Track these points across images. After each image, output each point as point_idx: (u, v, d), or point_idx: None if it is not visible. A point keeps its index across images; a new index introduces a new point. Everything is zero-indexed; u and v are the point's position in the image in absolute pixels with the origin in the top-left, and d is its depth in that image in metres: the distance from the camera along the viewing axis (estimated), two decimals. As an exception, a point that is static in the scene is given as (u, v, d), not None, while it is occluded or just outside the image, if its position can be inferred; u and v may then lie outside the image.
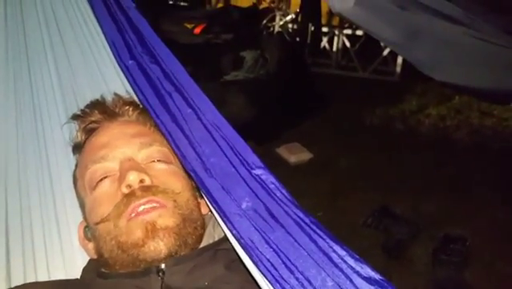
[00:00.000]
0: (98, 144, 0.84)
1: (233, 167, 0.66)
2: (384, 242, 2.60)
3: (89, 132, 0.89)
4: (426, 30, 1.72)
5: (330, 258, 0.54)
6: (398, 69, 5.25)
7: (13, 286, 0.82)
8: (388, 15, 1.69)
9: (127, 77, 0.84)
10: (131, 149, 0.82)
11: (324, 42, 5.60)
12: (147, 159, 0.82)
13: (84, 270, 0.84)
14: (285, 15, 5.94)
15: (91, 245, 0.83)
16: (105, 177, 0.80)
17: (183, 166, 0.77)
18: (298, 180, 2.87)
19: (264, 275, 0.57)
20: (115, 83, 0.98)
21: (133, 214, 0.74)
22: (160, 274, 0.73)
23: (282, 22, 5.94)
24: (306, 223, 0.58)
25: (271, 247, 0.57)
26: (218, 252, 0.78)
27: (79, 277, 0.83)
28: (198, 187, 0.72)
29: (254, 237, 0.59)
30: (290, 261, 0.55)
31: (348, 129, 3.90)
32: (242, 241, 0.59)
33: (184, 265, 0.74)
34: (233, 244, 0.64)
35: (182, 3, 6.82)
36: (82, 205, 0.86)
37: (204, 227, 0.83)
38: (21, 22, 0.99)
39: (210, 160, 0.68)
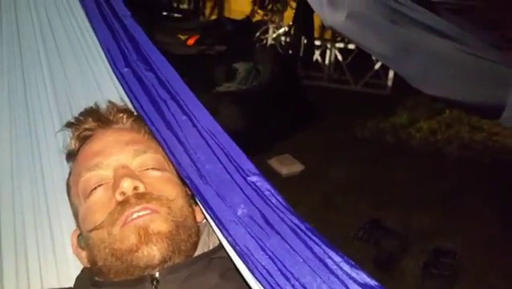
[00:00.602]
0: (92, 151, 0.84)
1: (229, 174, 0.66)
2: (375, 256, 2.60)
3: (83, 139, 0.88)
4: (417, 45, 1.75)
5: (325, 265, 0.54)
6: (389, 83, 5.30)
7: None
8: (379, 29, 1.71)
9: (122, 85, 0.84)
10: (125, 157, 0.81)
11: (317, 55, 5.65)
12: (141, 166, 0.81)
13: (78, 278, 0.83)
14: (278, 28, 5.99)
15: (84, 253, 0.82)
16: (99, 185, 0.79)
17: (178, 173, 0.77)
18: (289, 192, 2.84)
19: (260, 282, 0.56)
20: (110, 92, 0.97)
21: (127, 221, 0.74)
22: (155, 282, 0.73)
23: (275, 35, 5.98)
24: (301, 230, 0.58)
25: (267, 254, 0.57)
26: (213, 261, 0.77)
27: (72, 286, 0.82)
28: (193, 194, 0.71)
29: (250, 244, 0.59)
30: (285, 268, 0.55)
31: (340, 142, 3.92)
32: (238, 248, 0.59)
33: (178, 273, 0.74)
34: (229, 251, 0.64)
35: (176, 15, 6.86)
36: (75, 213, 0.85)
37: (198, 235, 0.82)
38: (16, 30, 0.99)
39: (205, 167, 0.68)
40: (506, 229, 2.71)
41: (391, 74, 5.20)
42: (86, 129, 0.88)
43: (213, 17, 7.04)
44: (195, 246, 0.80)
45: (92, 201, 0.79)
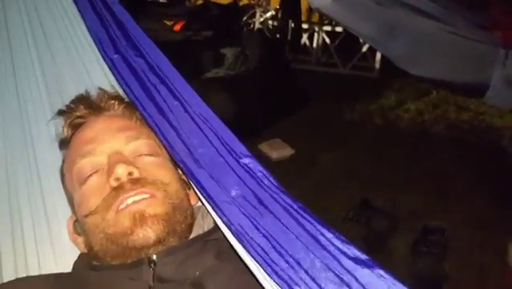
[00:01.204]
0: (85, 138, 0.84)
1: (222, 157, 0.68)
2: (365, 235, 2.65)
3: (75, 127, 0.88)
4: (402, 26, 1.76)
5: (318, 241, 0.56)
6: (377, 65, 5.32)
7: (5, 281, 0.82)
8: (365, 11, 1.72)
9: (112, 71, 0.85)
10: (118, 143, 0.82)
11: (304, 38, 5.64)
12: (134, 152, 0.82)
13: (75, 263, 0.84)
14: (265, 12, 5.95)
15: (80, 239, 0.84)
16: (94, 172, 0.80)
17: (171, 157, 0.78)
18: (280, 175, 2.85)
19: (255, 260, 0.58)
20: (100, 79, 0.97)
21: (122, 206, 0.75)
22: (152, 265, 0.74)
23: (262, 19, 5.95)
24: (294, 209, 0.60)
25: (261, 232, 0.59)
26: (208, 243, 0.79)
27: (70, 271, 0.83)
28: (187, 178, 0.73)
29: (244, 223, 0.60)
30: (279, 245, 0.57)
31: (329, 124, 3.95)
32: (233, 227, 0.61)
33: (175, 256, 0.75)
34: (224, 231, 0.65)
35: (161, 0, 6.76)
36: (70, 200, 0.86)
37: (193, 217, 0.84)
38: (3, 20, 0.98)
39: (198, 151, 0.69)
40: (493, 207, 2.78)
41: (378, 56, 5.22)
42: (78, 117, 0.88)
43: (199, 1, 6.95)
44: (190, 227, 0.82)
45: (87, 188, 0.80)
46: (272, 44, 4.80)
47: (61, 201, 0.90)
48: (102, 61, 0.90)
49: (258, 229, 0.59)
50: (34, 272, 0.87)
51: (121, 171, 0.76)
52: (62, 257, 0.89)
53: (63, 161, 0.89)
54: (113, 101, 0.89)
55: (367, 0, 1.74)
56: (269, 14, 5.91)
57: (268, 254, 0.57)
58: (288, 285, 0.55)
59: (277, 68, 4.27)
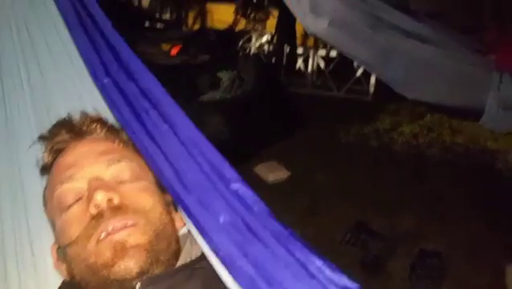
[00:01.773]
0: (65, 164, 0.82)
1: (211, 182, 0.66)
2: (362, 258, 2.62)
3: (56, 152, 0.86)
4: (398, 50, 1.78)
5: (307, 269, 0.54)
6: (371, 89, 5.37)
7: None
8: (361, 35, 1.74)
9: (103, 95, 0.84)
10: (98, 167, 0.80)
11: (299, 62, 5.70)
12: (115, 177, 0.80)
13: None
14: (261, 36, 6.03)
15: (64, 266, 0.81)
16: (75, 200, 0.78)
17: (159, 182, 0.77)
18: (276, 198, 2.87)
19: (242, 289, 0.57)
20: (90, 98, 0.96)
21: (103, 235, 0.72)
22: None
23: (258, 44, 6.02)
24: (283, 236, 0.58)
25: (249, 260, 0.57)
26: (196, 271, 0.76)
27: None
28: (175, 203, 0.71)
29: (232, 251, 0.59)
30: (268, 273, 0.56)
31: (324, 147, 3.95)
32: (220, 254, 0.59)
33: (159, 285, 0.72)
34: (211, 259, 0.64)
35: (159, 25, 6.86)
36: (53, 227, 0.84)
37: (178, 242, 0.81)
38: None
39: (187, 176, 0.68)
40: (488, 230, 2.77)
41: (372, 80, 5.28)
42: (59, 142, 0.86)
43: (196, 27, 7.04)
44: (175, 254, 0.79)
45: (68, 215, 0.77)
46: (268, 68, 4.86)
47: (46, 226, 0.87)
48: (93, 84, 0.89)
49: (246, 256, 0.57)
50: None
51: (100, 198, 0.74)
52: (45, 284, 0.87)
53: (45, 188, 0.87)
54: (95, 124, 0.87)
55: (362, 25, 1.76)
56: (264, 39, 5.99)
57: (256, 283, 0.55)
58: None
59: (272, 91, 4.30)
